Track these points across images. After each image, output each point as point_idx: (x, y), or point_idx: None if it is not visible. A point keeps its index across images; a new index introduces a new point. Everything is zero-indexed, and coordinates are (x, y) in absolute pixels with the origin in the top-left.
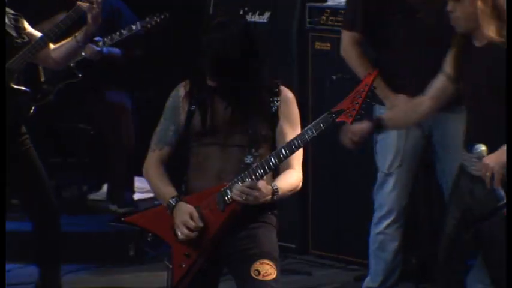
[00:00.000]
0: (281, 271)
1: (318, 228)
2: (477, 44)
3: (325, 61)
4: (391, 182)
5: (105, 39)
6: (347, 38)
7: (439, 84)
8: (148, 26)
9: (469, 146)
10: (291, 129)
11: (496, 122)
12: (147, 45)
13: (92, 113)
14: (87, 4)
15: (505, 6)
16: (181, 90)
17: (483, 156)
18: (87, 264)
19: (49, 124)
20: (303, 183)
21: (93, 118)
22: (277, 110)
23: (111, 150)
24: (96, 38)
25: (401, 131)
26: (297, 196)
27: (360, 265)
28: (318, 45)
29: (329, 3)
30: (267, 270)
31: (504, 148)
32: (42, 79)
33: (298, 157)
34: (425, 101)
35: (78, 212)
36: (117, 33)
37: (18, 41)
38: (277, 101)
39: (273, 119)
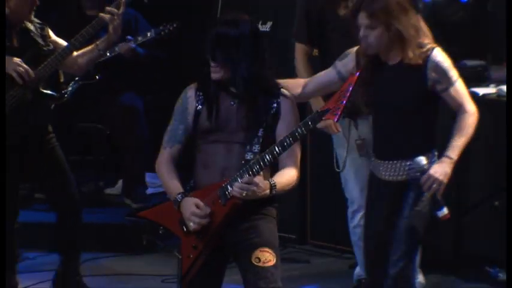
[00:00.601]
0: (281, 259)
1: (316, 220)
2: (390, 62)
3: (319, 66)
4: (352, 179)
5: (138, 38)
6: (297, 48)
7: (325, 80)
8: (162, 33)
9: (413, 156)
10: (290, 128)
11: (402, 134)
12: (168, 50)
13: (106, 114)
14: (109, 16)
15: (410, 32)
16: (189, 92)
17: (426, 169)
18: (104, 252)
19: (68, 124)
20: (302, 179)
21: (107, 119)
22: (277, 110)
23: (125, 150)
24: (128, 37)
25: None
26: (296, 191)
27: (354, 254)
28: (314, 52)
29: None
30: (267, 257)
31: (445, 160)
32: (62, 80)
33: (296, 155)
34: (305, 86)
35: (95, 205)
36: (140, 37)
37: (45, 48)
38: (277, 102)
39: (273, 118)
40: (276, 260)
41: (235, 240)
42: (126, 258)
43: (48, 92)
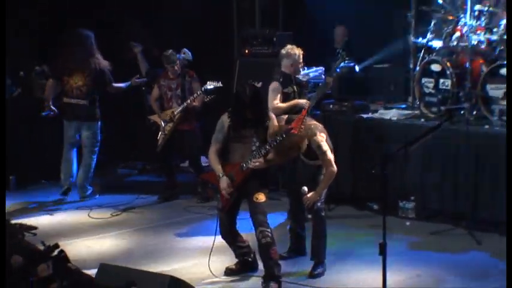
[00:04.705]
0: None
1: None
2: None
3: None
4: None
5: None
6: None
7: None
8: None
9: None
10: (274, 130)
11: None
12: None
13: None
14: None
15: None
16: (224, 117)
17: (306, 193)
18: (183, 195)
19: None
20: None
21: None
22: (267, 124)
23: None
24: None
25: None
26: None
27: None
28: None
29: None
30: (261, 197)
31: (314, 193)
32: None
33: None
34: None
35: (176, 173)
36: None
37: None
38: (268, 120)
39: (266, 128)
40: (266, 199)
41: (247, 190)
42: (193, 199)
43: None
